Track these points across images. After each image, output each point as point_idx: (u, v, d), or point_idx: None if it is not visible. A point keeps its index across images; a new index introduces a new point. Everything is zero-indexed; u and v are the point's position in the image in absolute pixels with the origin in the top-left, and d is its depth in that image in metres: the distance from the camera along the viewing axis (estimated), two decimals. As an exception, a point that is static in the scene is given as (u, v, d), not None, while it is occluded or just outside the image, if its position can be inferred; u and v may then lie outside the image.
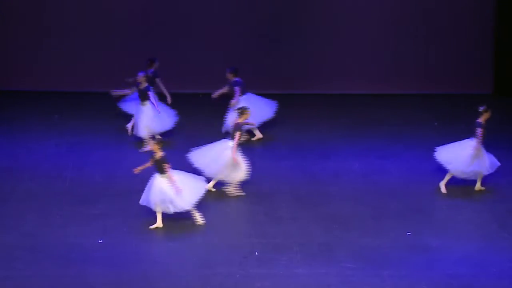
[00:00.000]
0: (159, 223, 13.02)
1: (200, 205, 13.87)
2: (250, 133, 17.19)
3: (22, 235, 12.92)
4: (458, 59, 20.22)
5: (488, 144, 15.32)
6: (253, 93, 17.27)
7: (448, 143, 15.08)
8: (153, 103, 15.95)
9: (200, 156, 14.35)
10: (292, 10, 20.13)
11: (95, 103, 19.16)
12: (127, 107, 17.26)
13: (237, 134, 14.04)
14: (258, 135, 17.22)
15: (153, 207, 13.02)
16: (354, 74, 20.02)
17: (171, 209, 13.05)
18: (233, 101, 16.75)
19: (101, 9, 20.01)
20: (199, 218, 13.21)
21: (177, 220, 13.39)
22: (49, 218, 13.60)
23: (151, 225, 13.11)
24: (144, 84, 16.02)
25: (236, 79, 16.85)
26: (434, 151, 15.35)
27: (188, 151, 14.57)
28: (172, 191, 12.87)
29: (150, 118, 16.10)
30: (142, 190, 13.91)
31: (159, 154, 12.91)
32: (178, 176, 13.08)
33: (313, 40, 20.15)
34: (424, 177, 15.32)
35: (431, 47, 20.22)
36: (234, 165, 14.10)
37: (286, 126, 17.85)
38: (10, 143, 16.97)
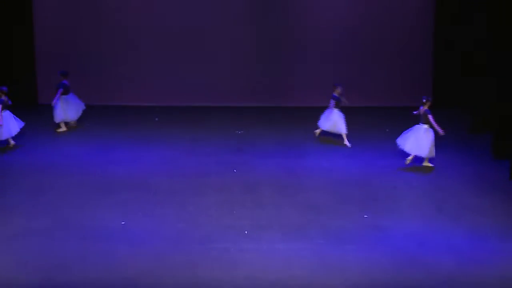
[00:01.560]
0: None
1: (202, 195, 14.74)
2: (66, 124, 18.50)
3: (57, 219, 13.77)
4: (401, 76, 20.63)
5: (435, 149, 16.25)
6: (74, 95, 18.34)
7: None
8: None
9: (405, 141, 16.34)
10: (256, 26, 20.42)
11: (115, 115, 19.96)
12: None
13: (430, 117, 16.09)
14: (63, 128, 18.36)
15: None
16: (325, 90, 19.49)
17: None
18: (53, 101, 17.87)
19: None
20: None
21: (184, 206, 14.18)
22: (80, 205, 14.33)
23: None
24: (2, 97, 16.58)
25: (63, 81, 17.75)
26: (385, 151, 16.64)
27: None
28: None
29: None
30: (153, 184, 14.99)
31: None
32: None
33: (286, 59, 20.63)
34: (378, 171, 16.09)
35: (380, 66, 20.61)
36: (432, 142, 16.22)
37: (270, 133, 18.59)
38: (55, 146, 17.48)
